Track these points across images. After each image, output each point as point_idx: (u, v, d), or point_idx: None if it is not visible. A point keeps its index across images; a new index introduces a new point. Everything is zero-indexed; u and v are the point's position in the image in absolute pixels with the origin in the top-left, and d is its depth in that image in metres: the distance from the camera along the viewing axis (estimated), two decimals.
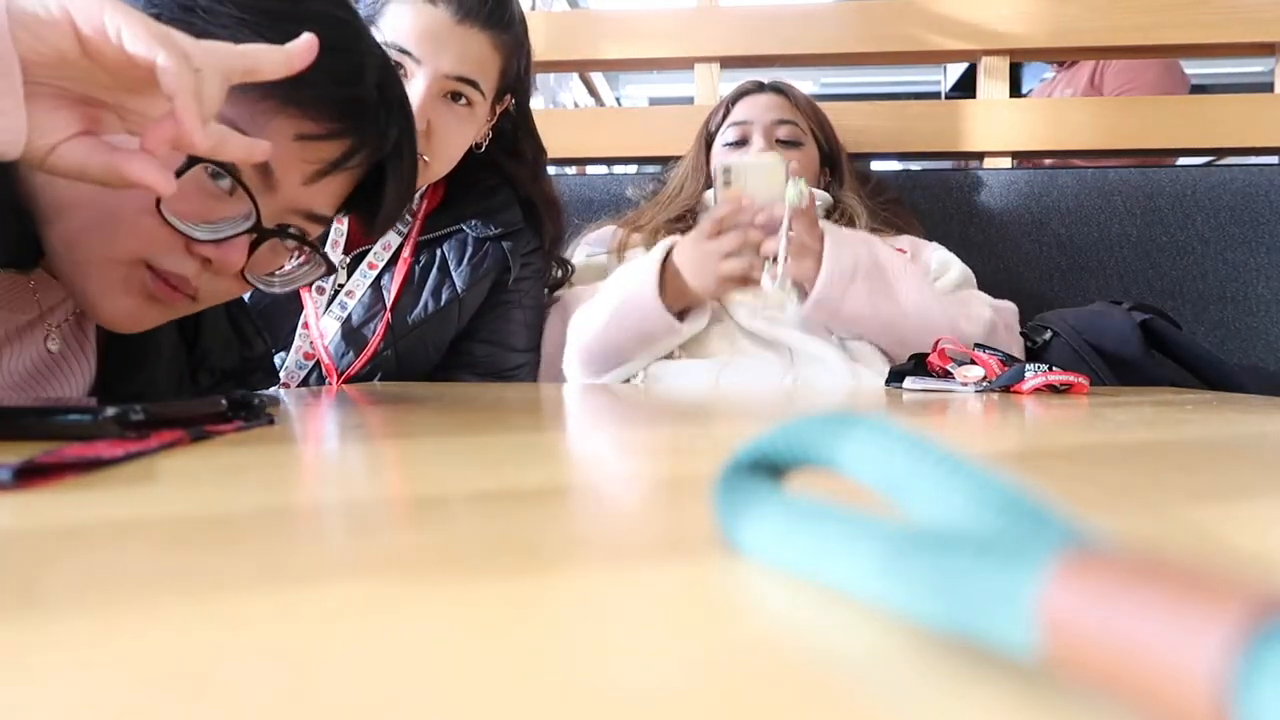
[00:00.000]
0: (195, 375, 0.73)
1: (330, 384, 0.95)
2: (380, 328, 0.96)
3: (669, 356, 1.08)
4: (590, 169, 2.34)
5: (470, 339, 1.05)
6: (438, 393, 0.83)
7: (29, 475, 0.28)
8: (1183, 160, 1.71)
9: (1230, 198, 1.41)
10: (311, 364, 0.95)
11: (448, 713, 0.12)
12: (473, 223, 1.02)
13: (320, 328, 0.94)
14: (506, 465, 0.37)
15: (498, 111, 1.01)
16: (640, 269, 1.04)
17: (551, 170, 1.17)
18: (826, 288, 0.99)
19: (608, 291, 1.08)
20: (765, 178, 1.01)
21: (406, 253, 0.98)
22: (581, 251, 1.28)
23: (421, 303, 0.98)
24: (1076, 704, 0.12)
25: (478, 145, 1.01)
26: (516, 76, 1.00)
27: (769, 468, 0.20)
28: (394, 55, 0.87)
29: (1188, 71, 2.02)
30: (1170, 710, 0.10)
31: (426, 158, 0.92)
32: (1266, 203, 1.41)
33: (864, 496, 0.18)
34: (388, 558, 0.20)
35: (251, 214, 0.56)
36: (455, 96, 0.92)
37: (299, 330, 0.95)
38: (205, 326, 0.73)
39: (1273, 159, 1.64)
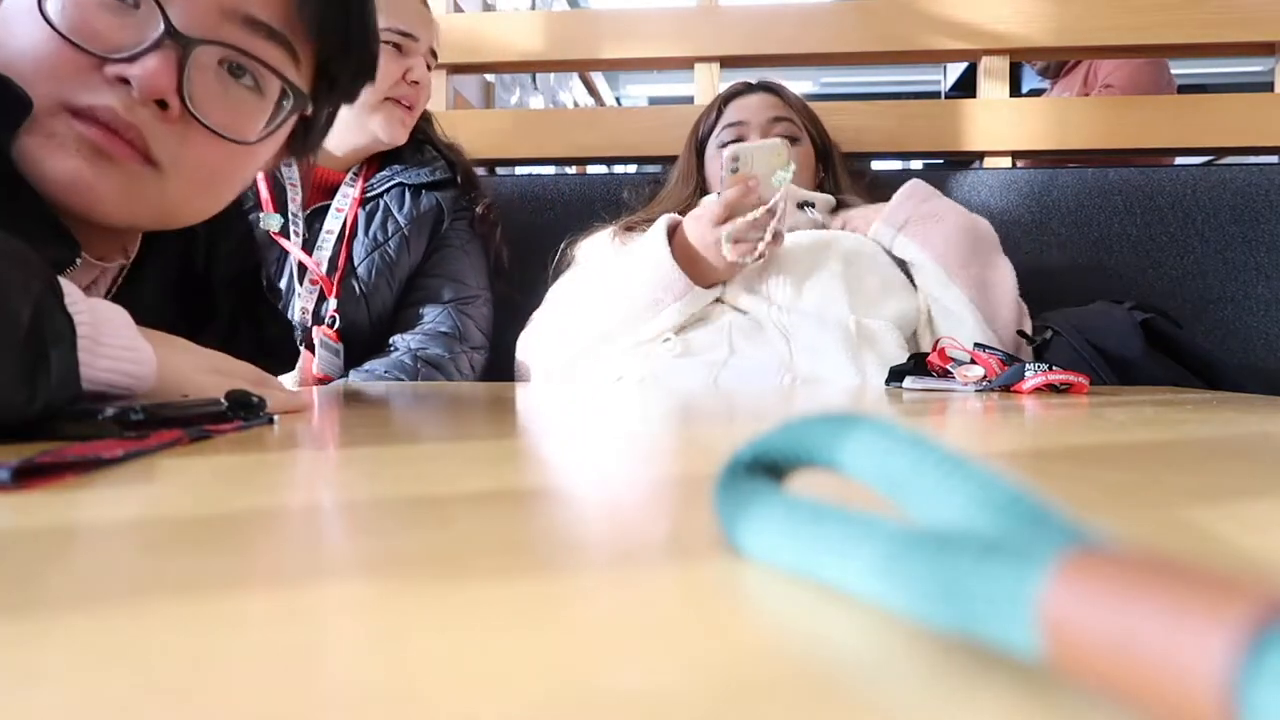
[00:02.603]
0: None
1: (330, 299, 1.17)
2: (341, 258, 1.19)
3: (673, 338, 1.09)
4: (590, 169, 2.34)
5: (424, 276, 1.26)
6: (436, 392, 0.83)
7: (28, 475, 0.28)
8: (1180, 160, 1.70)
9: (1230, 198, 1.41)
10: (319, 286, 1.18)
11: (447, 713, 0.12)
12: (409, 175, 1.26)
13: (315, 258, 1.18)
14: (505, 465, 0.37)
15: None
16: (647, 239, 1.10)
17: (551, 170, 1.27)
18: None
19: (609, 264, 1.13)
20: (769, 160, 1.08)
21: (355, 194, 1.23)
22: (578, 254, 1.28)
23: (371, 236, 1.22)
24: (1078, 705, 0.12)
25: None
26: None
27: (769, 468, 0.20)
28: (401, 40, 1.18)
29: (1188, 71, 2.02)
30: (1172, 712, 0.10)
31: (415, 110, 1.22)
32: (1266, 203, 1.41)
33: (864, 496, 0.18)
34: (387, 558, 0.20)
35: (160, 21, 0.52)
36: (426, 65, 1.23)
37: (291, 266, 1.17)
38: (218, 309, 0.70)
39: (1273, 159, 1.64)
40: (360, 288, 1.20)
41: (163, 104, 0.53)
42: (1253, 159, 1.65)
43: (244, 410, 0.46)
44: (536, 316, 1.23)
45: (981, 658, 0.13)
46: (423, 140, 1.31)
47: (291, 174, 1.20)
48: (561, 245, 1.32)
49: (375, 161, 1.28)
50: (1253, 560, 0.20)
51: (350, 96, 0.68)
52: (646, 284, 1.07)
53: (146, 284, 0.65)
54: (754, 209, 1.05)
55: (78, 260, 0.56)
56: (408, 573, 0.19)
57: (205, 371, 0.54)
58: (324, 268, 1.18)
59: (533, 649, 0.14)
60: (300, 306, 1.17)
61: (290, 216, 1.18)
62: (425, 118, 1.32)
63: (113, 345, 0.45)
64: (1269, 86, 1.53)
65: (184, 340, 0.55)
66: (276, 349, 0.78)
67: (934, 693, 0.12)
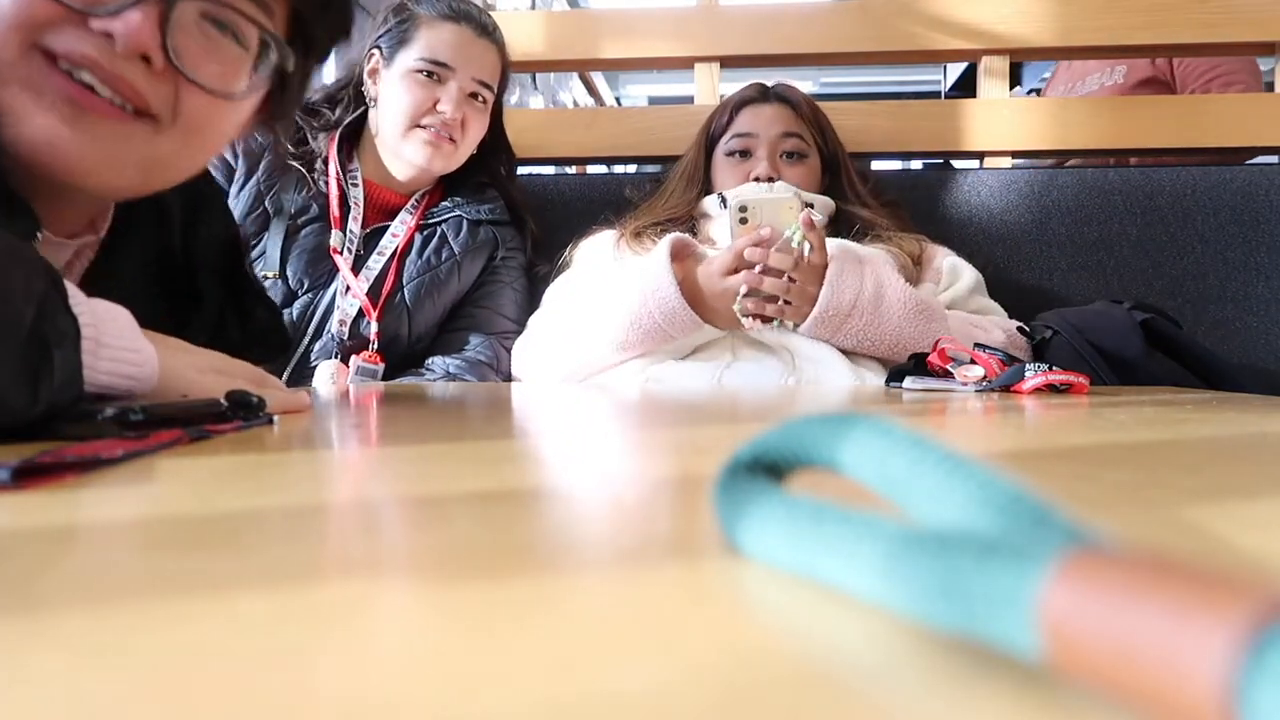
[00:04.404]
0: None
1: (370, 321, 1.20)
2: (390, 275, 1.22)
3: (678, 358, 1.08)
4: (590, 169, 2.34)
5: (469, 305, 1.30)
6: (437, 393, 0.83)
7: (28, 475, 0.28)
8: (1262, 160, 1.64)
9: (1230, 198, 1.41)
10: (358, 301, 1.20)
11: (447, 714, 0.11)
12: (469, 209, 1.29)
13: (360, 281, 1.21)
14: (505, 466, 0.37)
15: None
16: (648, 270, 1.05)
17: (551, 170, 1.28)
18: (818, 325, 1.03)
19: (609, 297, 1.08)
20: (780, 213, 1.03)
21: (412, 222, 1.27)
22: (580, 255, 1.28)
23: (425, 259, 1.25)
24: (1078, 705, 0.12)
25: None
26: (502, 88, 1.29)
27: (769, 468, 0.20)
28: (435, 69, 1.18)
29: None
30: (1172, 712, 0.10)
31: (457, 141, 1.21)
32: (1266, 203, 1.41)
33: (864, 496, 0.18)
34: (387, 558, 0.20)
35: None
36: (474, 95, 1.22)
37: (339, 279, 1.20)
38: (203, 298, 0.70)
39: (1273, 159, 1.64)
40: (406, 304, 1.23)
41: (147, 59, 0.53)
42: (1253, 159, 1.65)
43: (244, 410, 0.46)
44: (533, 323, 1.22)
45: (981, 658, 0.13)
46: (487, 183, 1.33)
47: (357, 194, 1.24)
48: (568, 248, 1.31)
49: (438, 192, 1.31)
50: (1253, 560, 0.20)
51: (325, 56, 0.67)
52: (650, 316, 1.03)
53: (123, 264, 0.64)
54: (763, 259, 1.01)
55: (39, 235, 0.55)
56: (407, 573, 0.19)
57: (205, 371, 0.54)
58: (368, 287, 1.20)
59: (533, 649, 0.14)
60: (339, 319, 1.19)
61: (348, 234, 1.22)
62: (504, 169, 1.36)
63: (115, 346, 0.45)
64: (1269, 86, 1.52)
65: (183, 342, 0.55)
66: (265, 337, 0.78)
67: (934, 693, 0.12)
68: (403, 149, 1.21)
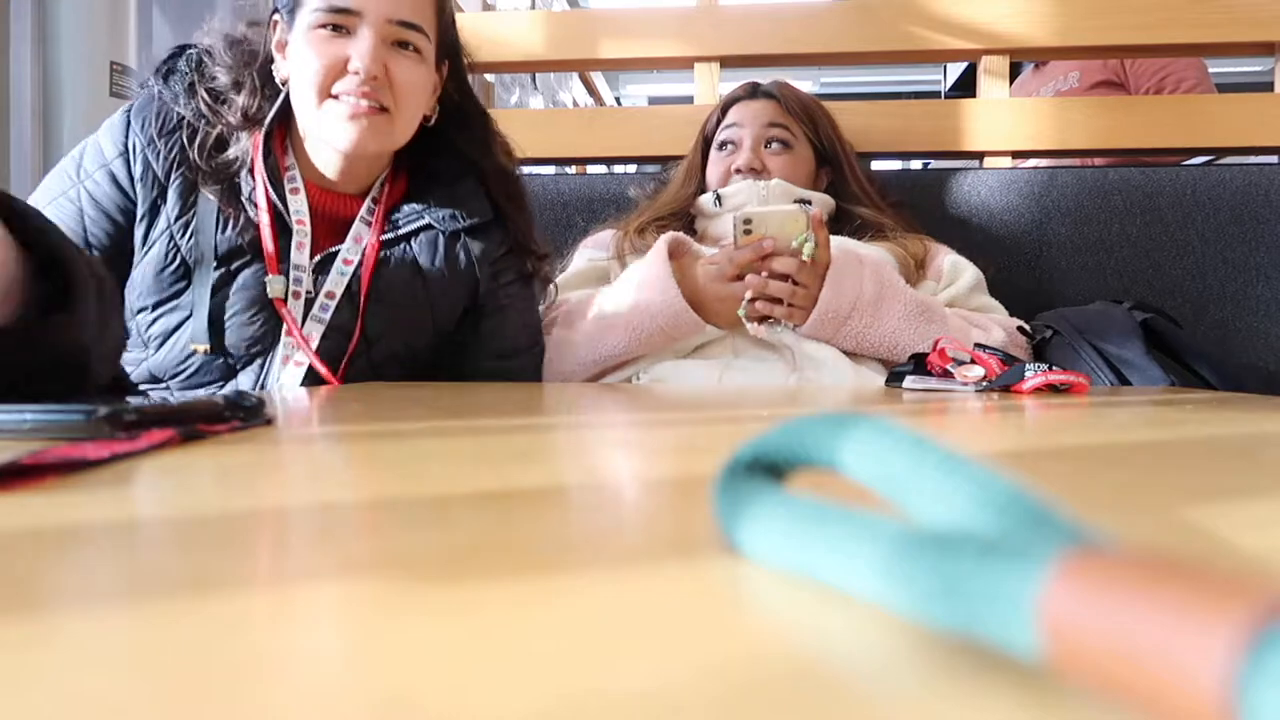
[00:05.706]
0: None
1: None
2: (356, 330, 0.94)
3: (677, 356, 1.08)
4: (590, 169, 2.34)
5: (478, 358, 1.02)
6: (436, 393, 0.83)
7: (9, 477, 0.27)
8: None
9: (1230, 198, 1.41)
10: (303, 369, 0.91)
11: (447, 714, 0.11)
12: (440, 215, 0.97)
13: (306, 332, 0.92)
14: (506, 465, 0.37)
15: (442, 75, 0.99)
16: (648, 274, 1.05)
17: (550, 170, 1.21)
18: (818, 327, 1.04)
19: (611, 301, 1.09)
20: (785, 227, 1.04)
21: (374, 240, 0.95)
22: (583, 255, 1.28)
23: (393, 305, 0.95)
24: (1078, 705, 0.12)
25: (427, 119, 0.98)
26: (452, 37, 1.00)
27: (769, 468, 0.20)
28: (338, 19, 0.88)
29: None
30: (1172, 712, 0.10)
31: (390, 107, 0.90)
32: (1266, 203, 1.41)
33: (864, 496, 0.18)
34: (387, 558, 0.20)
35: None
36: (404, 45, 0.91)
37: (283, 339, 0.91)
38: None
39: (1273, 159, 1.64)
40: (374, 370, 0.96)
41: None
42: (1253, 159, 1.65)
43: (241, 410, 0.46)
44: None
45: (981, 658, 0.13)
46: (464, 170, 1.01)
47: (298, 204, 0.93)
48: (568, 247, 1.31)
49: (401, 184, 0.99)
50: (1252, 560, 0.20)
51: None
52: (653, 319, 1.04)
53: None
54: (764, 269, 1.02)
55: None
56: (407, 573, 0.19)
57: None
58: (315, 343, 0.91)
59: (533, 649, 0.14)
60: (285, 384, 0.91)
61: (291, 273, 0.91)
62: (480, 134, 1.04)
63: None
64: (1269, 86, 1.52)
65: None
66: None
67: (934, 693, 0.12)
68: (323, 132, 0.90)
